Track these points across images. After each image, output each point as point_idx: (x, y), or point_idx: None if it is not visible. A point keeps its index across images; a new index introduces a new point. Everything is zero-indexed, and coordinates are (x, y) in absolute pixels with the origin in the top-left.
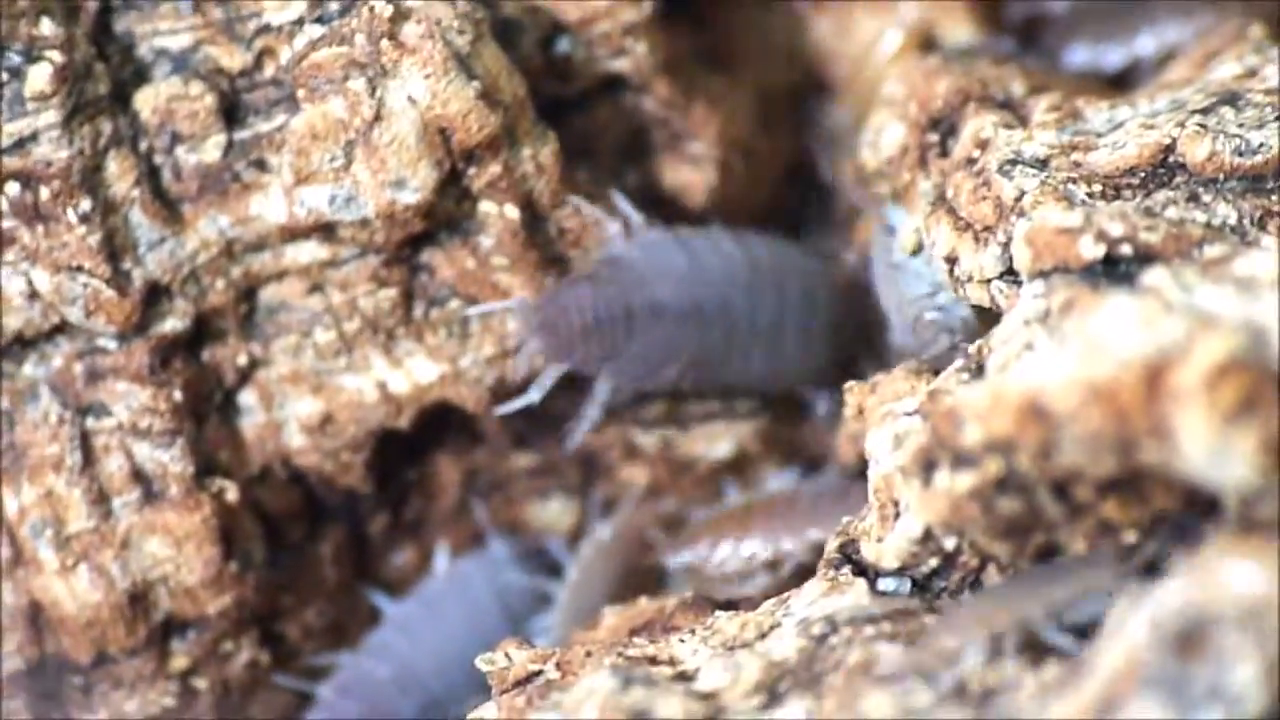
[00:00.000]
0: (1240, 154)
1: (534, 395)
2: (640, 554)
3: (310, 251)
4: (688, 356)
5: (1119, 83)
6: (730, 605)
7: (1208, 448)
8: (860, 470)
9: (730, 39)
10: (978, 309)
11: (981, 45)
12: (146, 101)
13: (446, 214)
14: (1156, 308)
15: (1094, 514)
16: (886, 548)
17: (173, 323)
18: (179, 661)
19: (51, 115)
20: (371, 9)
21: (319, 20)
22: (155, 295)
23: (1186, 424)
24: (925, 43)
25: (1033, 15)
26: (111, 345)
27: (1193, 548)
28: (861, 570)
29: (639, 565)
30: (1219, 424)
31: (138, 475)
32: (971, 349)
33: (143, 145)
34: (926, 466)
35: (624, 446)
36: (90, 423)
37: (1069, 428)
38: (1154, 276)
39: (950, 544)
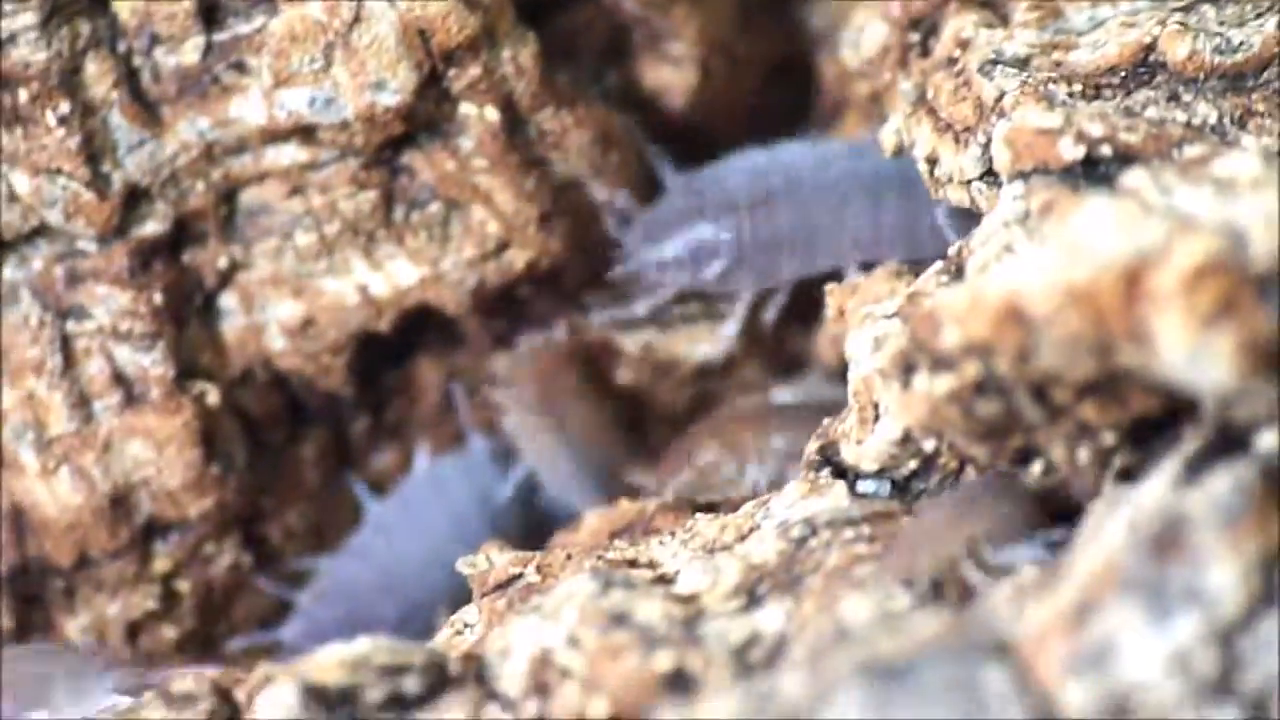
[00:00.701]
0: (1221, 52)
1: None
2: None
3: (290, 154)
4: (791, 241)
5: None
6: (710, 508)
7: (1186, 350)
8: (841, 372)
9: None
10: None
11: None
12: (125, 3)
13: (426, 116)
14: (1135, 210)
15: (1072, 417)
16: (866, 450)
17: (153, 225)
18: (161, 564)
19: (29, 17)
20: None
21: None
22: (135, 198)
23: (1165, 326)
24: None
25: None
26: (91, 248)
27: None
28: (841, 472)
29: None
30: (1197, 326)
31: (118, 378)
32: (951, 250)
33: (121, 47)
34: (906, 369)
35: (605, 348)
36: (71, 325)
37: (1047, 330)
38: (1133, 178)
39: (929, 446)
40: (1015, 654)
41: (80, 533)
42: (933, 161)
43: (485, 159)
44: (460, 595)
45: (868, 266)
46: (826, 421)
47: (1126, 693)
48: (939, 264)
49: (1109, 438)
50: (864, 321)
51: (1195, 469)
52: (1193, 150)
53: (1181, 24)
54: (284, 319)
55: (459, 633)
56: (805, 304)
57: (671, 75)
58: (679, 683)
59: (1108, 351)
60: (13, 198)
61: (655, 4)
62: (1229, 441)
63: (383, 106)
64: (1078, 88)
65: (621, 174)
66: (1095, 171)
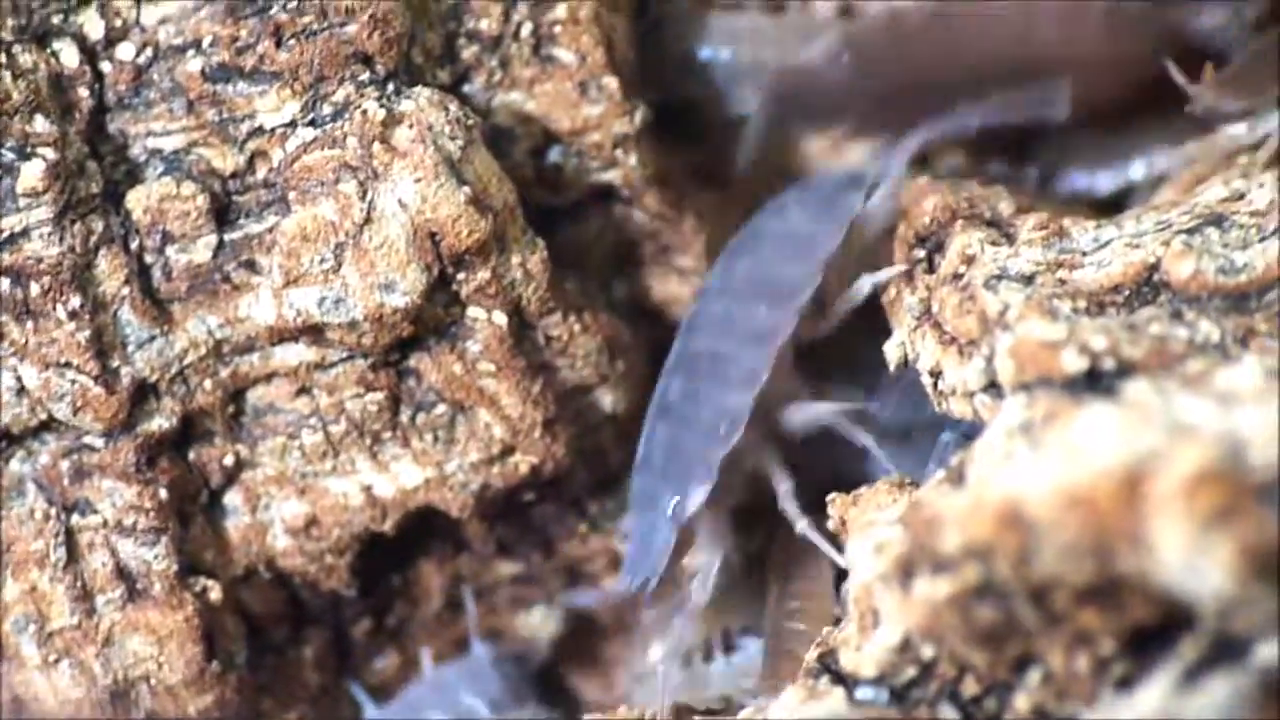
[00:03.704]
0: (1224, 273)
1: None
2: None
3: (298, 353)
4: None
5: (1110, 207)
6: (710, 713)
7: (1184, 555)
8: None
9: (723, 156)
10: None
11: (972, 169)
12: (138, 201)
13: (434, 319)
14: (1136, 418)
15: (1071, 623)
16: (865, 656)
17: (160, 422)
18: None
19: (43, 212)
20: (364, 113)
21: (311, 123)
22: (143, 394)
23: (1163, 531)
24: (916, 163)
25: (1023, 138)
26: (98, 443)
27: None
28: (840, 679)
29: None
30: (1195, 532)
31: (121, 573)
32: (954, 460)
33: (134, 244)
34: (905, 573)
35: (609, 557)
36: (75, 519)
37: (1048, 534)
38: (1135, 388)
39: (928, 652)
40: None
41: None
42: (936, 374)
43: (492, 363)
44: None
45: None
46: (827, 630)
47: None
48: (941, 473)
49: (1107, 646)
50: (865, 529)
51: (1194, 676)
52: (1195, 364)
53: (1186, 245)
54: (288, 518)
55: None
56: None
57: (679, 287)
58: None
59: (1107, 556)
60: (21, 391)
61: (665, 217)
62: (1227, 651)
63: (391, 307)
64: (1082, 304)
65: (627, 381)
66: (1098, 384)
